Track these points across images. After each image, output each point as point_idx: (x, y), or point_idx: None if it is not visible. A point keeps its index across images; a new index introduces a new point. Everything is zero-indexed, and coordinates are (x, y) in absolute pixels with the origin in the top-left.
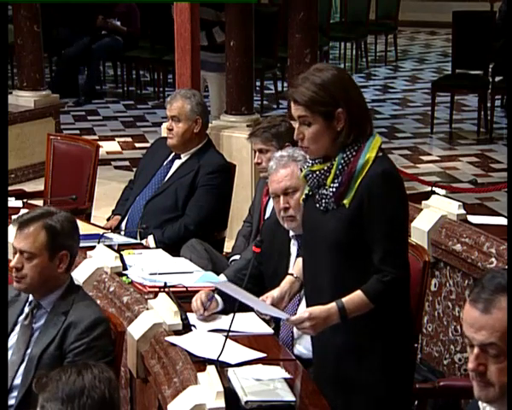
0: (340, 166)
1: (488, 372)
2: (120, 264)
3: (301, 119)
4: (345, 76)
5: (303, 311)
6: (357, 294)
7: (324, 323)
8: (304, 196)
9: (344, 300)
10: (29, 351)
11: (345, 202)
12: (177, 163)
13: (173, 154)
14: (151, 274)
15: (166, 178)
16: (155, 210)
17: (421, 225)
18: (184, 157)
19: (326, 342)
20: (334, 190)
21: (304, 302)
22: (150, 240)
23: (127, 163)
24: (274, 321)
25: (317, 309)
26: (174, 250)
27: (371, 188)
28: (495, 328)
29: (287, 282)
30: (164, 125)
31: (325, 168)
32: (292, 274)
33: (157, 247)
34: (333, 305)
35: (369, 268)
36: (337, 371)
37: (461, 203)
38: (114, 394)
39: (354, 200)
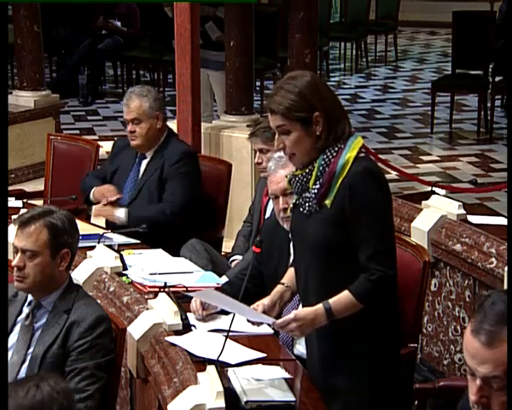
0: (321, 168)
1: (492, 405)
2: (120, 264)
3: (280, 128)
4: (318, 80)
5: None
6: (345, 294)
7: (311, 324)
8: (292, 206)
9: (331, 301)
10: (31, 351)
11: (326, 202)
12: (144, 163)
13: (139, 155)
14: (151, 274)
15: (137, 182)
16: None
17: (421, 225)
18: (149, 155)
19: (313, 347)
20: (315, 191)
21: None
22: (120, 213)
23: None
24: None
25: (303, 311)
26: (152, 236)
27: (353, 186)
28: (499, 362)
29: (277, 291)
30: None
31: (307, 171)
32: (283, 283)
33: (128, 222)
34: (319, 306)
35: (353, 269)
36: (325, 378)
37: (461, 203)
38: (72, 404)
39: (336, 200)
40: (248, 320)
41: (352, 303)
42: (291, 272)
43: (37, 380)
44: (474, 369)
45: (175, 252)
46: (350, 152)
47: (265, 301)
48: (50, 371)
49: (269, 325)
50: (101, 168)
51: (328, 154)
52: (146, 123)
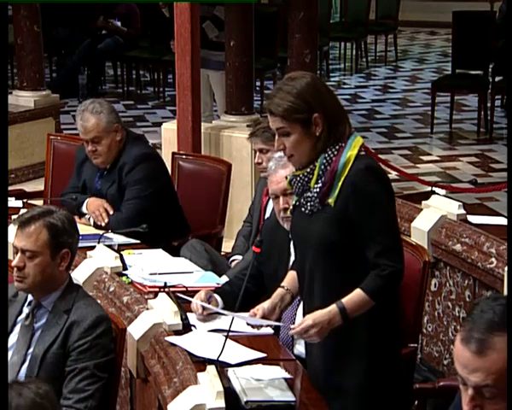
0: (323, 167)
1: None
2: (120, 264)
3: (280, 130)
4: (317, 81)
5: (304, 319)
6: (357, 292)
7: (328, 326)
8: (291, 207)
9: (344, 300)
10: (31, 351)
11: (330, 201)
12: (104, 175)
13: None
14: (151, 274)
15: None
16: None
17: (421, 225)
18: (108, 165)
19: (313, 346)
20: (317, 190)
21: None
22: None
23: None
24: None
25: (319, 314)
26: (153, 235)
27: (356, 184)
28: (490, 370)
29: (278, 294)
30: (164, 126)
31: (308, 171)
32: (283, 286)
33: (129, 229)
34: (333, 307)
35: (358, 268)
36: (325, 377)
37: (461, 203)
38: (57, 407)
39: (339, 198)
40: (248, 324)
41: (365, 301)
42: (291, 275)
43: (19, 388)
44: (465, 378)
45: (175, 252)
46: (351, 150)
47: (265, 304)
48: (48, 374)
49: (269, 326)
50: (71, 184)
51: (330, 153)
52: (106, 139)
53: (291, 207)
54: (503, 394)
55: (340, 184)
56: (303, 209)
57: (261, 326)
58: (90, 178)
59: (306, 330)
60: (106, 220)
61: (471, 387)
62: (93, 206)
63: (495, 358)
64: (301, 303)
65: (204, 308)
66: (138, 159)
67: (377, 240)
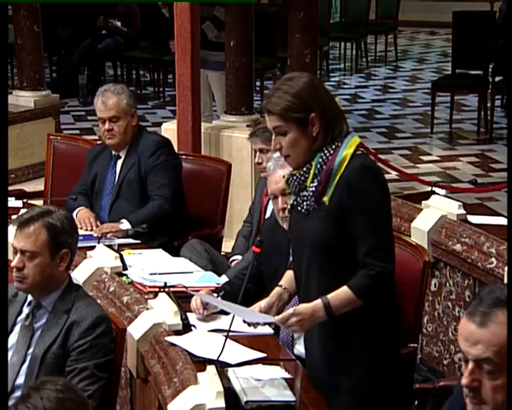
0: (319, 166)
1: (482, 390)
2: (120, 264)
3: (276, 129)
4: (315, 81)
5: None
6: (343, 289)
7: (311, 319)
8: (289, 207)
9: (330, 296)
10: (30, 351)
11: (324, 199)
12: (120, 163)
13: (114, 157)
14: (151, 274)
15: (116, 183)
16: (121, 216)
17: (421, 225)
18: (123, 154)
19: (313, 346)
20: (313, 189)
21: None
22: (124, 226)
23: None
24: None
25: (302, 306)
26: (153, 234)
27: (350, 182)
28: (491, 342)
29: (275, 293)
30: (164, 126)
31: (304, 170)
32: (281, 285)
33: (133, 229)
34: (318, 301)
35: (354, 267)
36: (326, 377)
37: (461, 203)
38: (78, 392)
39: (334, 196)
40: (245, 321)
41: (351, 299)
42: (289, 274)
43: (39, 393)
44: (466, 352)
45: (175, 252)
46: (347, 149)
47: (262, 303)
48: (47, 374)
49: (269, 324)
50: (80, 183)
51: (326, 152)
52: (123, 120)
53: (289, 206)
54: (501, 369)
55: (335, 182)
56: (299, 208)
57: (258, 324)
58: (103, 170)
59: (287, 319)
60: (90, 228)
61: (471, 361)
62: (83, 216)
63: (496, 331)
64: None
65: (205, 308)
66: (159, 144)
67: (367, 239)
